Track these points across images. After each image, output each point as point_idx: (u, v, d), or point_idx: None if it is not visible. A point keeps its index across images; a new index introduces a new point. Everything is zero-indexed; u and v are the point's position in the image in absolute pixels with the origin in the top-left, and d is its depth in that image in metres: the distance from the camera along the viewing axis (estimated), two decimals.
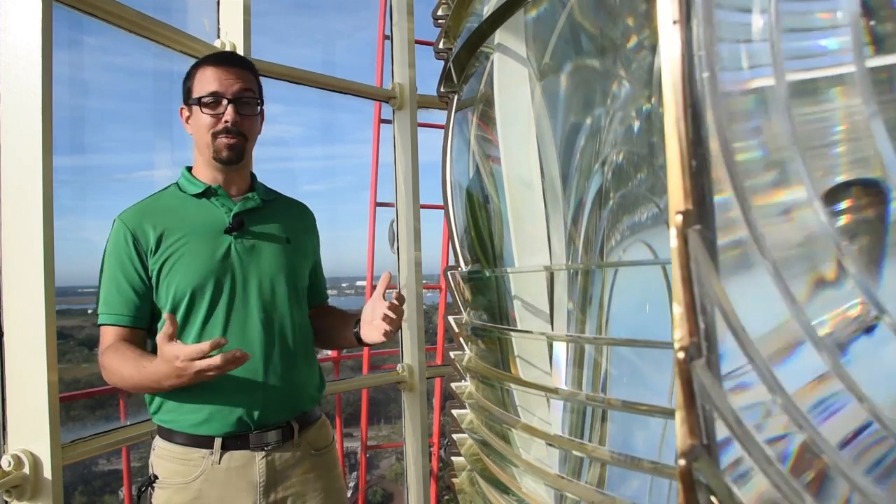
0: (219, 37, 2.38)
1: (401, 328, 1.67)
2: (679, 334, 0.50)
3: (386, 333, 1.60)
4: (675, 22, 0.51)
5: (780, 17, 0.51)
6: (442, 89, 1.42)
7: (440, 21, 1.44)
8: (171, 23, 2.14)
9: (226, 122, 1.58)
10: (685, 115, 0.50)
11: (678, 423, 0.49)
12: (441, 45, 1.39)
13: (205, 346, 1.35)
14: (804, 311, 0.49)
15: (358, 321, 1.70)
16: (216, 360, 1.35)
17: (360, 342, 1.70)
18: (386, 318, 1.57)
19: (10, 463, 1.58)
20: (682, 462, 0.49)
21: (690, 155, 0.49)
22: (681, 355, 0.49)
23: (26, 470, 1.59)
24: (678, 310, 0.50)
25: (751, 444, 0.48)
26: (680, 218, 0.50)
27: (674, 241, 0.50)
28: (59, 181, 1.67)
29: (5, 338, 1.63)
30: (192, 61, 1.98)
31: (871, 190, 0.51)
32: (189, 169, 1.69)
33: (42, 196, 1.61)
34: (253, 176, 1.74)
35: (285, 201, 1.79)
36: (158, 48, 2.14)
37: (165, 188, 1.68)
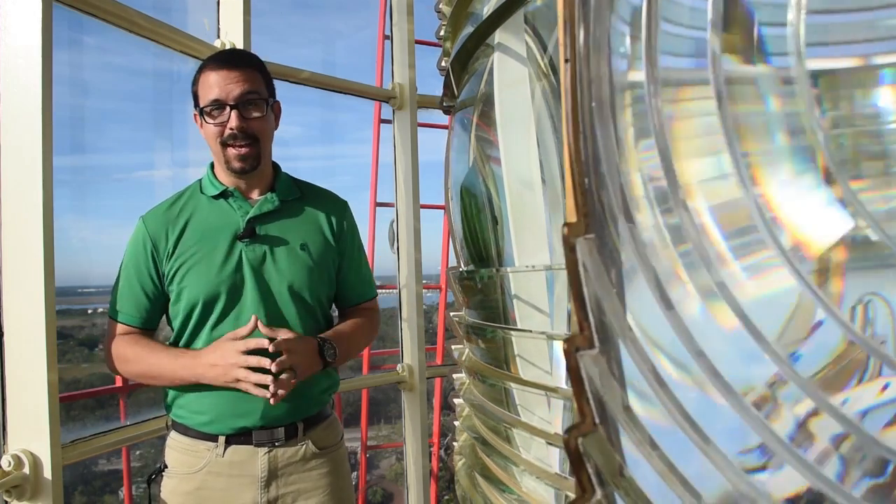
0: (219, 37, 2.37)
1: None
2: (572, 329, 0.59)
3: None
4: (566, 60, 0.61)
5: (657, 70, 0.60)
6: (444, 103, 1.42)
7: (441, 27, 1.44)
8: (171, 23, 2.14)
9: (231, 129, 1.54)
10: (574, 140, 0.60)
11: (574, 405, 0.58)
12: (442, 58, 1.39)
13: (263, 341, 1.46)
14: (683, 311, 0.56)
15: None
16: (265, 361, 1.45)
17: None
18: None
19: (10, 463, 1.58)
20: (567, 437, 0.57)
21: (581, 174, 0.59)
22: (566, 346, 0.57)
23: (26, 470, 1.59)
24: (572, 307, 0.58)
25: (636, 429, 0.55)
26: (566, 230, 0.60)
27: (565, 249, 0.59)
28: (59, 181, 1.67)
29: (5, 338, 1.63)
30: (192, 61, 1.98)
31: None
32: (212, 167, 1.67)
33: (42, 196, 1.61)
34: (276, 170, 1.69)
35: (311, 196, 1.71)
36: (158, 48, 2.14)
37: (189, 187, 1.69)
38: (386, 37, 3.32)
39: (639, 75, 0.59)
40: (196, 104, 1.62)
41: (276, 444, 1.57)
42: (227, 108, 1.54)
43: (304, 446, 1.61)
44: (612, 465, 0.55)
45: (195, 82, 1.61)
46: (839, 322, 0.53)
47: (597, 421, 0.56)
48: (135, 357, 1.58)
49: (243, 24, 2.37)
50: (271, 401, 1.46)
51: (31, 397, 1.61)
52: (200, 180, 1.68)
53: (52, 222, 1.63)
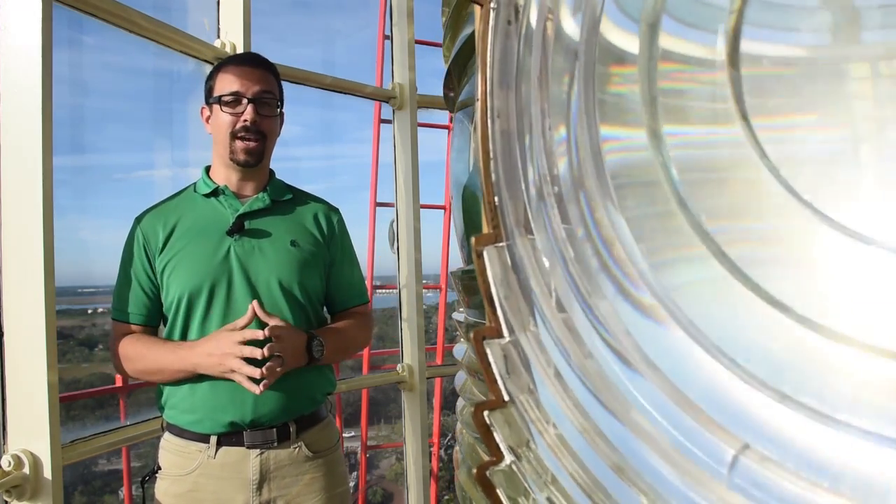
0: (219, 36, 2.37)
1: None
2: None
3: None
4: (477, 99, 0.74)
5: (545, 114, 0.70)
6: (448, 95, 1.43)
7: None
8: (171, 23, 2.14)
9: (245, 121, 1.59)
10: (485, 164, 0.73)
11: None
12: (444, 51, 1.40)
13: (258, 333, 1.47)
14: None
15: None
16: (257, 352, 1.45)
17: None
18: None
19: (10, 463, 1.58)
20: (474, 411, 0.70)
21: (490, 193, 0.72)
22: (474, 336, 0.70)
23: (26, 470, 1.59)
24: (485, 303, 0.72)
25: (536, 408, 0.67)
26: (475, 240, 0.73)
27: (474, 256, 0.72)
28: (59, 181, 1.67)
29: (5, 338, 1.63)
30: (192, 61, 1.98)
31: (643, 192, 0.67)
32: (207, 169, 1.71)
33: (42, 196, 1.61)
34: (271, 173, 1.74)
35: (303, 200, 1.75)
36: (158, 48, 2.14)
37: (184, 188, 1.72)
38: (386, 37, 3.32)
39: (536, 108, 0.69)
40: (209, 96, 1.66)
41: (269, 446, 1.57)
42: (245, 101, 1.59)
43: (298, 449, 1.60)
44: (519, 437, 0.67)
45: (211, 76, 1.67)
46: None
47: (505, 399, 0.68)
48: (136, 355, 1.59)
49: (243, 23, 2.37)
50: (258, 390, 1.47)
51: (31, 397, 1.61)
52: (196, 182, 1.71)
53: (52, 222, 1.63)
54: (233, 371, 1.48)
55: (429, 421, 3.75)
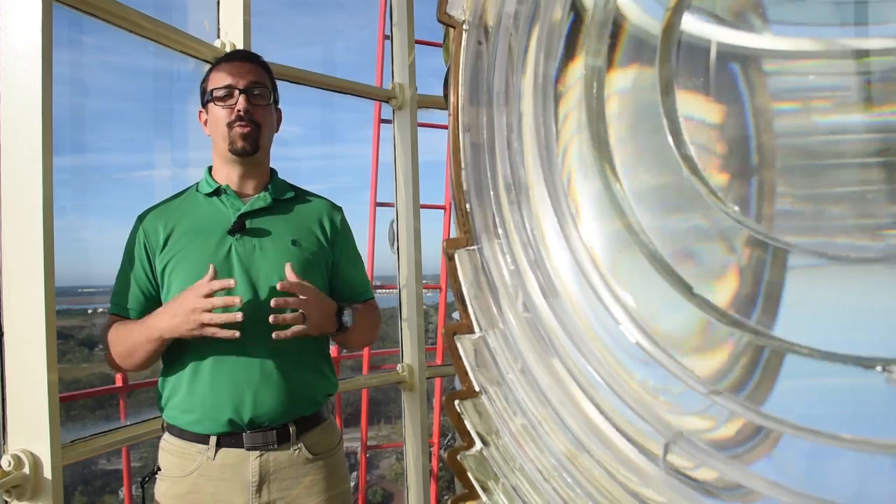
0: (219, 37, 2.37)
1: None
2: (455, 317, 0.81)
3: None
4: (449, 114, 0.82)
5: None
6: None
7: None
8: (171, 23, 2.14)
9: (238, 111, 1.60)
10: (456, 174, 0.81)
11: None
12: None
13: (215, 283, 1.44)
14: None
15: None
16: (218, 301, 1.43)
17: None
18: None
19: (10, 463, 1.58)
20: (446, 399, 0.78)
21: (462, 200, 0.80)
22: (444, 331, 0.79)
23: (26, 470, 1.59)
24: (457, 302, 0.79)
25: (503, 399, 0.74)
26: (446, 243, 0.81)
27: (446, 258, 0.80)
28: (59, 181, 1.67)
29: (5, 338, 1.63)
30: (192, 61, 1.99)
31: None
32: (210, 169, 1.71)
33: (42, 196, 1.61)
34: (273, 172, 1.74)
35: (305, 199, 1.74)
36: (158, 48, 2.14)
37: (187, 188, 1.72)
38: (386, 37, 3.32)
39: (502, 122, 0.76)
40: (204, 97, 1.67)
41: (268, 447, 1.56)
42: (237, 93, 1.61)
43: (298, 451, 1.59)
44: (489, 425, 0.75)
45: (205, 79, 1.68)
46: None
47: (476, 390, 0.76)
48: (116, 338, 1.59)
49: (243, 23, 2.37)
50: (236, 334, 1.43)
51: (31, 397, 1.61)
52: (198, 182, 1.72)
53: (52, 222, 1.63)
54: (203, 325, 1.44)
55: (429, 421, 3.75)
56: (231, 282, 1.46)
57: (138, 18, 2.01)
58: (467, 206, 0.77)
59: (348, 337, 1.66)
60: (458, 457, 0.75)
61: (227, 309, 1.46)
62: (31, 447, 1.61)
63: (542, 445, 0.67)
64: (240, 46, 2.35)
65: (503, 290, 0.74)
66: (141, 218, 1.65)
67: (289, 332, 1.49)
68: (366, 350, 4.37)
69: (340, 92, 2.94)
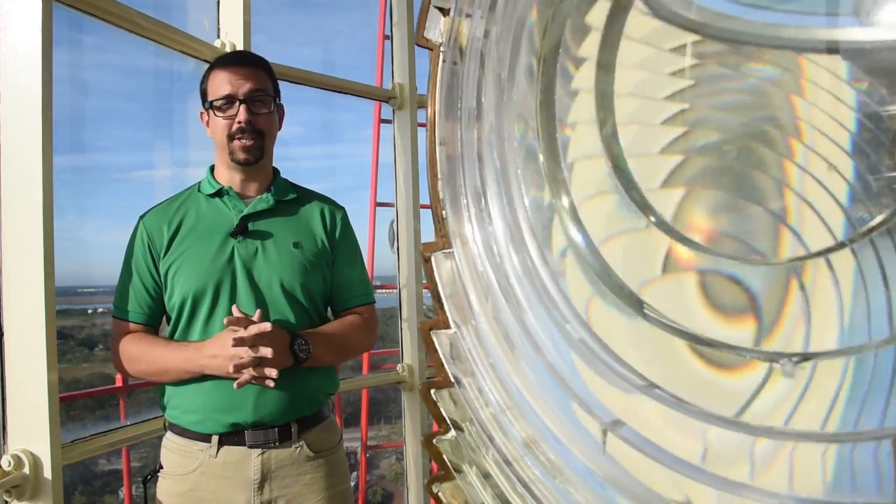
0: (219, 37, 2.37)
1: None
2: (430, 313, 0.98)
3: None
4: (426, 129, 0.95)
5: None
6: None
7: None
8: (171, 23, 2.14)
9: (239, 122, 1.59)
10: (433, 184, 0.93)
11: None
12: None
13: (254, 329, 1.46)
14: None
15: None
16: (248, 359, 1.46)
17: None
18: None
19: (10, 463, 1.58)
20: (422, 386, 0.88)
21: (439, 207, 0.89)
22: (421, 326, 0.90)
23: (26, 470, 1.59)
24: (433, 300, 0.87)
25: (475, 389, 0.82)
26: (422, 247, 0.88)
27: (422, 260, 0.85)
28: (59, 181, 1.67)
29: (5, 338, 1.63)
30: (192, 61, 1.98)
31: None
32: (212, 169, 1.70)
33: (42, 196, 1.61)
34: (275, 173, 1.73)
35: (308, 199, 1.73)
36: (158, 48, 2.13)
37: (189, 187, 1.72)
38: (386, 37, 3.32)
39: (473, 136, 0.85)
40: (204, 101, 1.66)
41: (270, 445, 1.56)
42: (237, 103, 1.59)
43: (299, 449, 1.60)
44: (463, 413, 0.83)
45: (204, 80, 1.66)
46: None
47: (451, 380, 0.84)
48: (140, 355, 1.59)
49: (243, 23, 2.37)
50: (268, 383, 1.48)
51: (31, 397, 1.61)
52: (200, 182, 1.71)
53: (52, 222, 1.63)
54: (239, 373, 1.48)
55: (429, 421, 3.75)
56: (267, 326, 1.47)
57: (138, 18, 2.01)
58: (443, 212, 0.87)
59: (316, 362, 1.60)
60: (435, 441, 0.85)
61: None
62: (31, 447, 1.61)
63: (507, 432, 0.77)
64: (240, 46, 2.35)
65: (474, 290, 0.83)
66: (143, 218, 1.65)
67: (266, 382, 1.48)
68: None
69: (340, 92, 2.94)
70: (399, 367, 3.01)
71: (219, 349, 1.49)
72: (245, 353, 1.47)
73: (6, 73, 1.62)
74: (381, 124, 4.09)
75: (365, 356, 4.31)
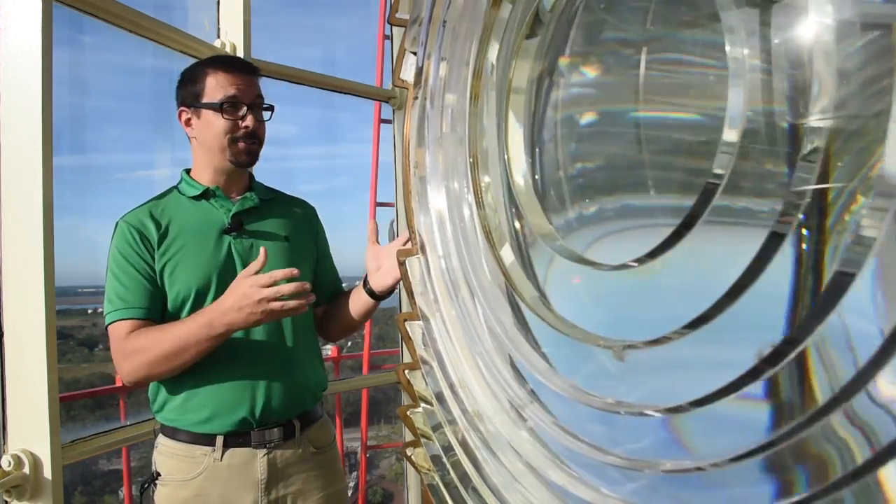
0: (219, 36, 2.37)
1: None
2: (405, 311, 1.06)
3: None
4: (403, 154, 1.09)
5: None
6: None
7: None
8: (171, 23, 2.14)
9: (246, 127, 1.61)
10: (407, 199, 1.06)
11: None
12: None
13: (277, 273, 1.43)
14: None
15: (365, 279, 1.70)
16: (286, 287, 1.43)
17: (375, 296, 1.70)
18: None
19: (10, 463, 1.58)
20: (397, 368, 1.07)
21: (411, 220, 1.05)
22: (398, 318, 1.06)
23: (26, 470, 1.59)
24: (408, 297, 1.05)
25: (441, 371, 0.98)
26: (399, 253, 1.07)
27: (399, 263, 1.08)
28: (60, 181, 1.67)
29: (5, 338, 1.63)
30: (193, 61, 1.98)
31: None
32: (188, 171, 1.69)
33: (42, 196, 1.61)
34: (251, 175, 1.75)
35: (285, 199, 1.80)
36: (158, 48, 2.14)
37: (166, 191, 1.68)
38: (386, 37, 3.32)
39: (437, 160, 0.99)
40: (195, 100, 1.62)
41: (275, 444, 1.57)
42: (245, 108, 1.61)
43: (303, 446, 1.61)
44: (430, 391, 0.99)
45: (195, 80, 1.62)
46: None
47: (421, 363, 1.01)
48: (149, 343, 1.48)
49: (243, 23, 2.37)
50: (309, 298, 1.46)
51: (31, 397, 1.61)
52: (177, 186, 1.68)
53: (52, 222, 1.63)
54: (274, 311, 1.44)
55: None
56: (296, 271, 1.45)
57: (138, 18, 2.01)
58: (416, 224, 1.03)
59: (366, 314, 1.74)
60: (408, 412, 1.02)
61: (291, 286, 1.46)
62: (31, 447, 1.61)
63: (463, 407, 0.92)
64: (240, 46, 2.35)
65: (440, 289, 0.98)
66: (126, 220, 1.58)
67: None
68: (366, 350, 4.37)
69: (340, 92, 2.94)
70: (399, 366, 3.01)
71: (241, 299, 1.44)
72: (275, 290, 1.43)
73: (6, 73, 1.63)
74: (381, 124, 4.08)
75: (365, 356, 4.31)
